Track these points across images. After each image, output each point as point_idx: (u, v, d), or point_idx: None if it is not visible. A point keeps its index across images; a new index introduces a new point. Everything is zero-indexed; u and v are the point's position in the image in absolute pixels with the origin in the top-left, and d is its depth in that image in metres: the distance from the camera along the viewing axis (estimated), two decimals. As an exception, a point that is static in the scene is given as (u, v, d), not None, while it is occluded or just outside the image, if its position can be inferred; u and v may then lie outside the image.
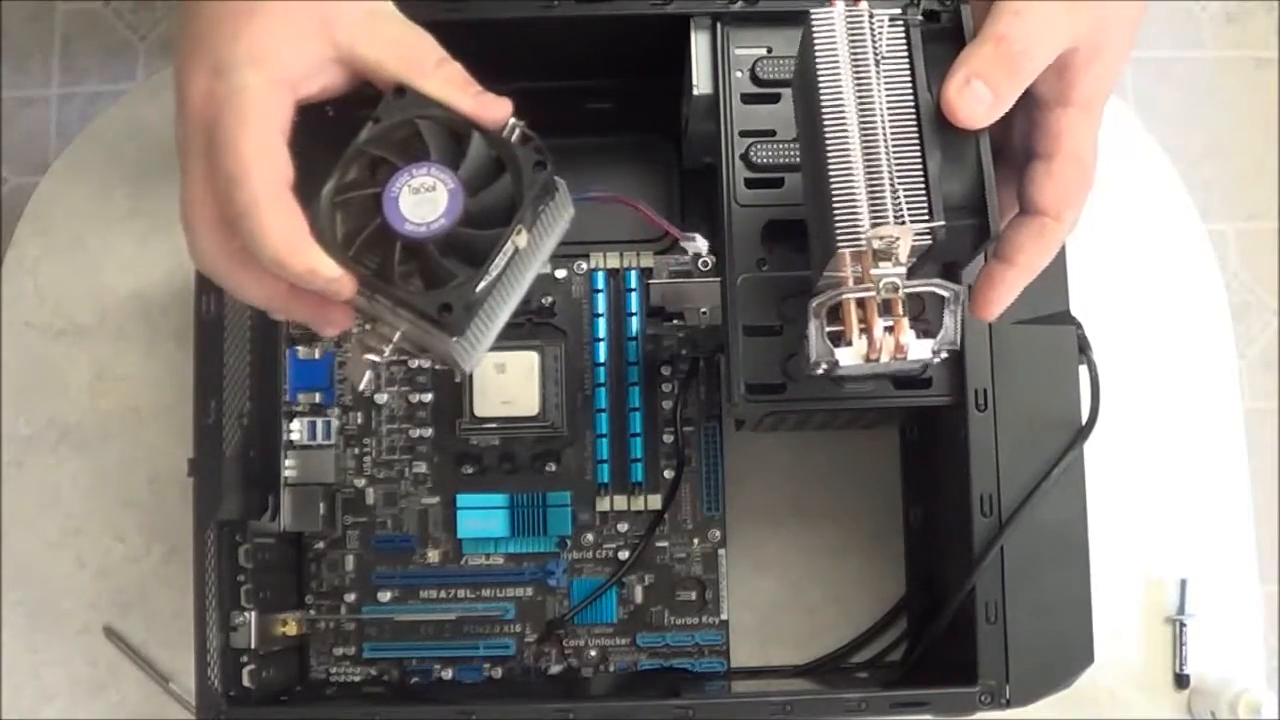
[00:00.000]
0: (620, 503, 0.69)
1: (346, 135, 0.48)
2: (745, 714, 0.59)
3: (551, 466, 0.70)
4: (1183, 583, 0.72)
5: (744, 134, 0.58)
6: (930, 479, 0.68)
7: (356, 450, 0.70)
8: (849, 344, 0.46)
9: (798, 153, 0.57)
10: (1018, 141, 0.50)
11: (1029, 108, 0.48)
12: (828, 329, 0.47)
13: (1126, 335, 0.73)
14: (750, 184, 0.58)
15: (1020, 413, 0.59)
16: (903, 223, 0.45)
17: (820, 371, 0.48)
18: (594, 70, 0.66)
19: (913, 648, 0.69)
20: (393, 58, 0.47)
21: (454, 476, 0.70)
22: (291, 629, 0.66)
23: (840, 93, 0.46)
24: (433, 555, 0.70)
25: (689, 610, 0.70)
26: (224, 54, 0.46)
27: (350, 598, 0.69)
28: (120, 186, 0.75)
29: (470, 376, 0.66)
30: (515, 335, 0.69)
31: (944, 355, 0.48)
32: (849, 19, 0.47)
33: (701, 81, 0.59)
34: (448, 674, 0.69)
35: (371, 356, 0.50)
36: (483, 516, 0.69)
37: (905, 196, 0.45)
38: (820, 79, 0.46)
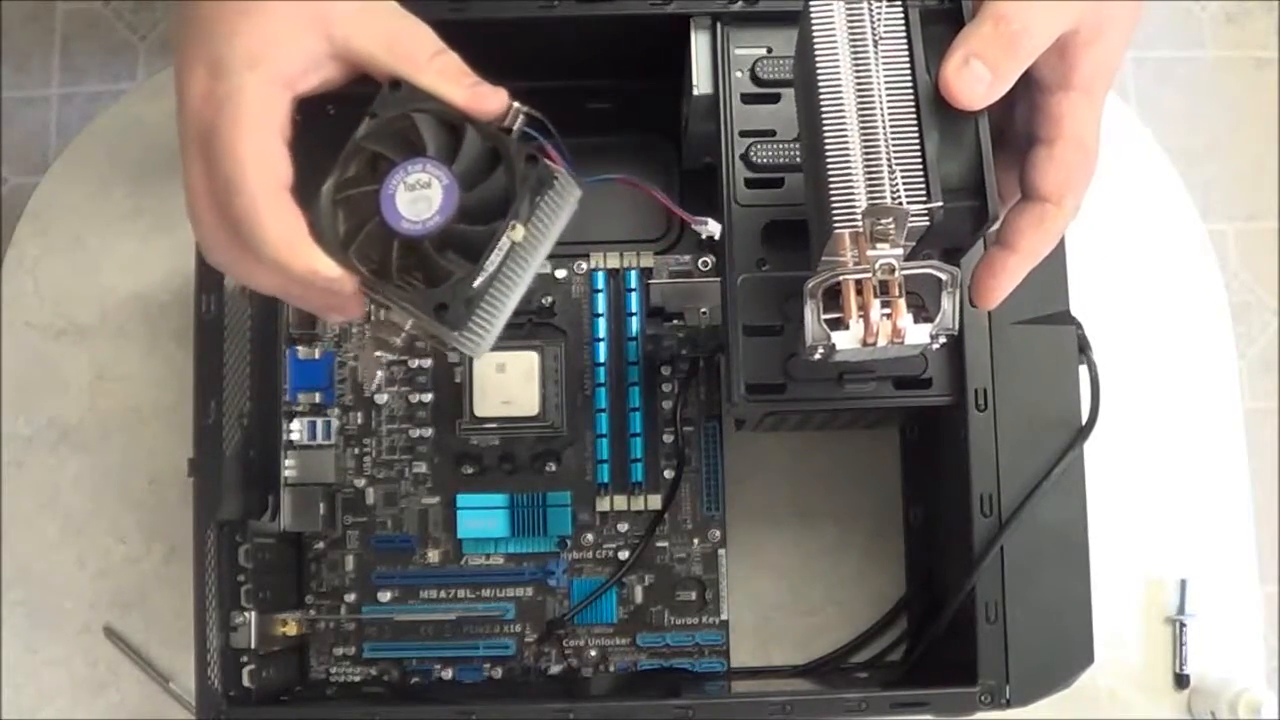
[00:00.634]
0: (620, 503, 0.69)
1: (348, 133, 0.48)
2: (745, 714, 0.59)
3: (551, 466, 0.70)
4: (1183, 583, 0.72)
5: (744, 134, 0.58)
6: (930, 479, 0.68)
7: (356, 450, 0.70)
8: (846, 328, 0.46)
9: (798, 153, 0.57)
10: (1019, 127, 0.49)
11: (1030, 92, 0.48)
12: (825, 315, 0.47)
13: (1126, 335, 0.73)
14: (750, 184, 0.58)
15: (1020, 413, 0.59)
16: (900, 203, 0.44)
17: (817, 356, 0.48)
18: (594, 70, 0.66)
19: (913, 648, 0.69)
20: (387, 50, 0.47)
21: (454, 476, 0.70)
22: (291, 629, 0.66)
23: (838, 73, 0.46)
24: (433, 555, 0.70)
25: (689, 610, 0.70)
26: (220, 53, 0.46)
27: (350, 598, 0.69)
28: (120, 186, 0.75)
29: (470, 377, 0.66)
30: (515, 335, 0.69)
31: (942, 341, 0.48)
32: (848, 0, 0.46)
33: (701, 81, 0.59)
34: (448, 674, 0.69)
35: (382, 354, 0.51)
36: (483, 516, 0.69)
37: (903, 177, 0.45)
38: (818, 60, 0.46)
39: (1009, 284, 0.49)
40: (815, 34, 0.46)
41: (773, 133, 0.58)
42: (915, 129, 0.45)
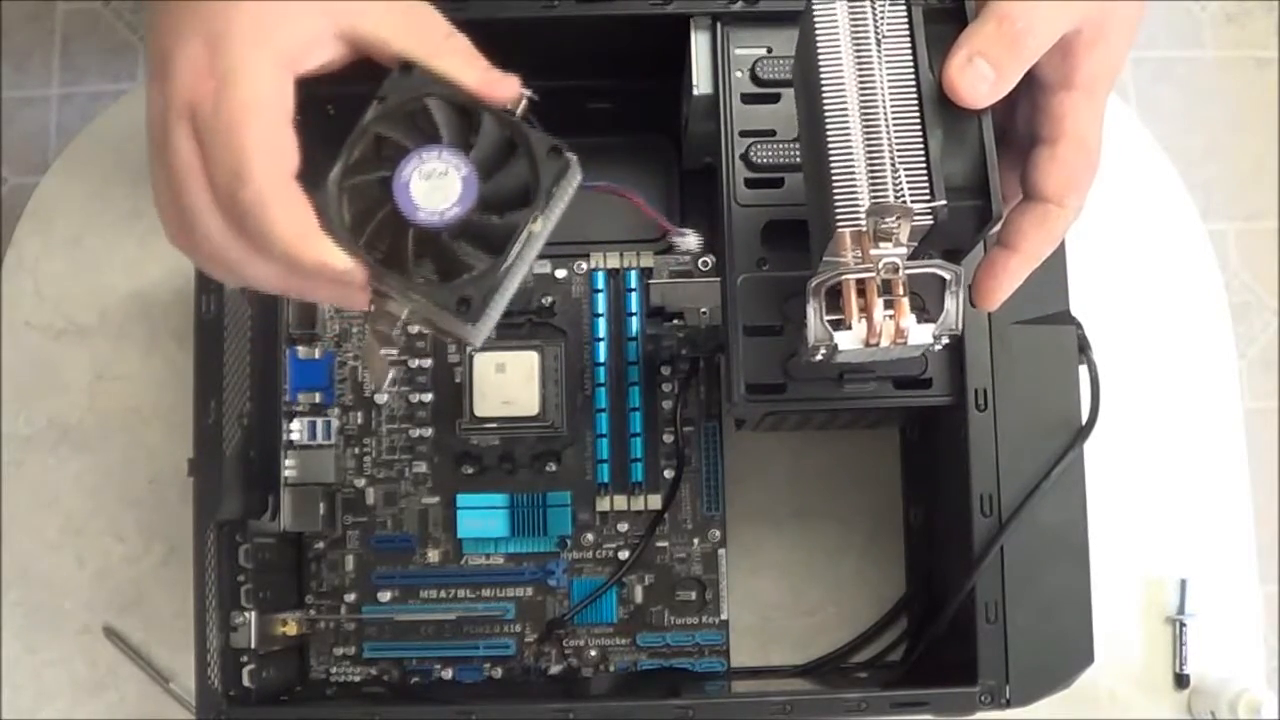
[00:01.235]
0: (620, 503, 0.69)
1: (345, 134, 0.47)
2: (745, 714, 0.59)
3: (551, 466, 0.70)
4: (1183, 583, 0.72)
5: (744, 134, 0.58)
6: (930, 479, 0.68)
7: (356, 450, 0.70)
8: (848, 328, 0.46)
9: (798, 153, 0.57)
10: (1021, 127, 0.49)
11: (1032, 92, 0.48)
12: (827, 316, 0.47)
13: (1126, 335, 0.73)
14: (750, 184, 0.58)
15: (1020, 413, 0.59)
16: (903, 202, 0.44)
17: (819, 357, 0.48)
18: (594, 70, 0.66)
19: (913, 648, 0.69)
20: (400, 32, 0.46)
21: (454, 476, 0.70)
22: (291, 629, 0.67)
23: (841, 72, 0.46)
24: (433, 555, 0.70)
25: (689, 610, 0.70)
26: (220, 25, 0.43)
27: (350, 598, 0.69)
28: (120, 186, 0.75)
29: (470, 377, 0.66)
30: (515, 335, 0.69)
31: (945, 341, 0.48)
32: None
33: (701, 81, 0.59)
34: (448, 674, 0.69)
35: (389, 351, 0.49)
36: (483, 516, 0.69)
37: (906, 176, 0.44)
38: (821, 58, 0.46)
39: (1010, 285, 0.49)
40: (818, 32, 0.46)
41: (773, 133, 0.58)
42: (918, 127, 0.45)
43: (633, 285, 0.70)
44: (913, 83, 0.46)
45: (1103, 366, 0.61)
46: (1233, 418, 0.74)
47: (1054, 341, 0.60)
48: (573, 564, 0.70)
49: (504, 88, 0.46)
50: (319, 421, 0.69)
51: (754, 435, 0.71)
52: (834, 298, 0.47)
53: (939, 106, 0.45)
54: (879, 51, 0.46)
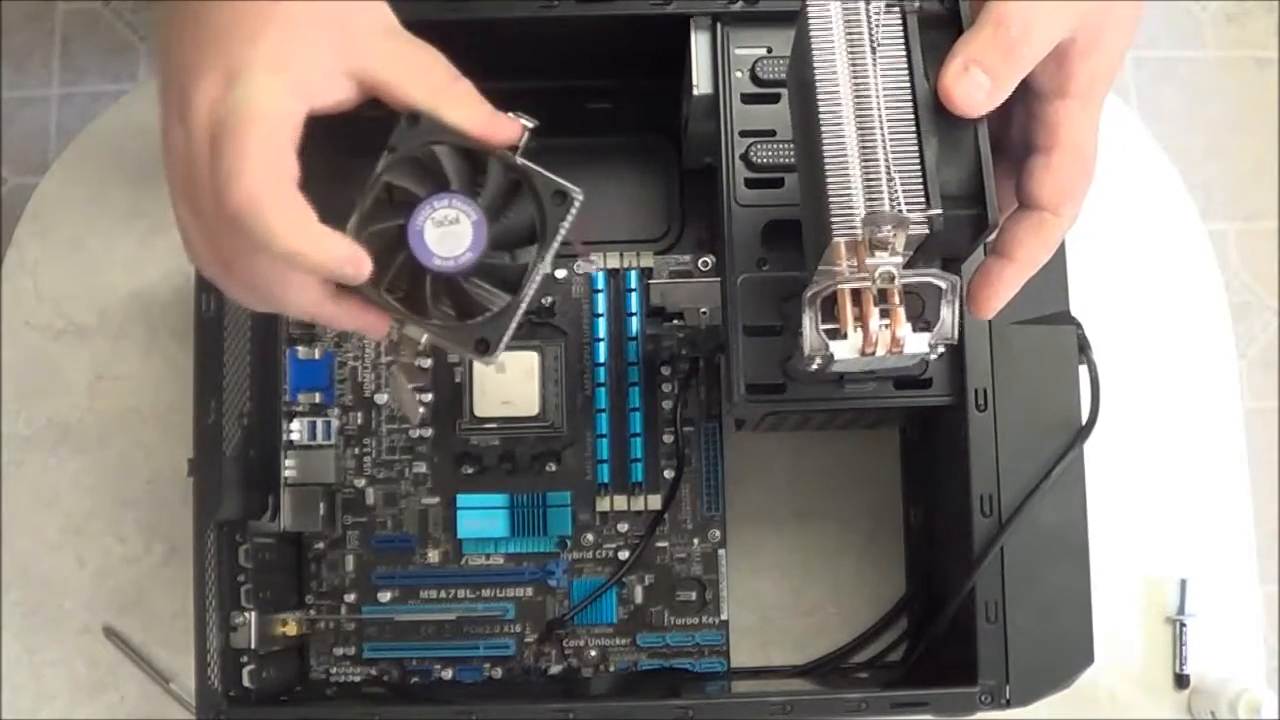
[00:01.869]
0: (620, 503, 0.69)
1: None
2: (745, 714, 0.59)
3: (551, 466, 0.70)
4: (1183, 583, 0.72)
5: (744, 134, 0.58)
6: (930, 479, 0.68)
7: (356, 450, 0.70)
8: (844, 337, 0.46)
9: (795, 151, 0.57)
10: (1016, 135, 0.49)
11: (1027, 100, 0.48)
12: (823, 325, 0.47)
13: (1126, 335, 0.73)
14: (750, 184, 0.58)
15: (1020, 413, 0.59)
16: (899, 211, 0.44)
17: (815, 366, 0.48)
18: (594, 70, 0.66)
19: (913, 648, 0.69)
20: (406, 76, 0.47)
21: (454, 476, 0.70)
22: (291, 629, 0.67)
23: (835, 80, 0.45)
24: (433, 555, 0.70)
25: (689, 610, 0.70)
26: (239, 58, 0.44)
27: (350, 598, 0.69)
28: (120, 186, 0.75)
29: (470, 377, 0.66)
30: (515, 335, 0.69)
31: (941, 350, 0.48)
32: (845, 5, 0.46)
33: (701, 81, 0.59)
34: (448, 674, 0.69)
35: (418, 384, 0.51)
36: (483, 516, 0.69)
37: (902, 185, 0.44)
38: (815, 66, 0.46)
39: (1007, 293, 0.49)
40: (812, 39, 0.46)
41: (773, 133, 0.58)
42: (914, 136, 0.45)
43: (633, 285, 0.70)
44: (908, 90, 0.45)
45: (1103, 366, 0.61)
46: (1233, 418, 0.74)
47: (1054, 341, 0.60)
48: (573, 564, 0.70)
49: (505, 130, 0.47)
50: (319, 421, 0.69)
51: (754, 435, 0.71)
52: (830, 306, 0.46)
53: (934, 114, 0.45)
54: (874, 59, 0.46)
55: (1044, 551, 0.59)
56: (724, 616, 0.70)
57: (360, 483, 0.70)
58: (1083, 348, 0.60)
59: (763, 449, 0.72)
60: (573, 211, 0.48)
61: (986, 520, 0.59)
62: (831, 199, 0.45)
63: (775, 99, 0.59)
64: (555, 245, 0.49)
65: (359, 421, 0.70)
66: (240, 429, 0.63)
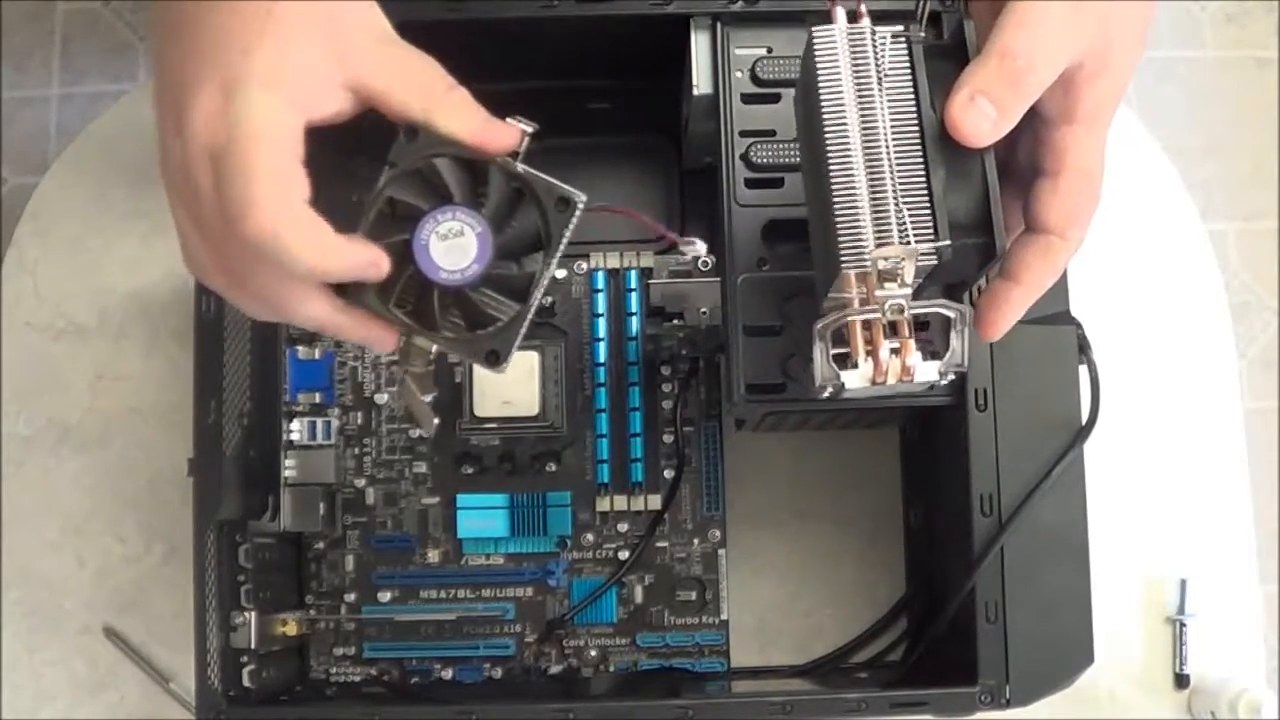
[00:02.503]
0: (620, 503, 0.69)
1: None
2: (745, 714, 0.59)
3: (551, 466, 0.70)
4: (1183, 583, 0.72)
5: (744, 134, 0.58)
6: (930, 479, 0.68)
7: (356, 450, 0.70)
8: (854, 366, 0.46)
9: (798, 152, 0.57)
10: (1023, 159, 0.49)
11: (1034, 125, 0.48)
12: (833, 351, 0.46)
13: (1126, 335, 0.73)
14: (750, 184, 0.58)
15: (1020, 413, 0.59)
16: (907, 243, 0.44)
17: (826, 395, 0.47)
18: (594, 70, 0.66)
19: (913, 648, 0.69)
20: (401, 85, 0.46)
21: (454, 476, 0.70)
22: (291, 629, 0.66)
23: (843, 111, 0.45)
24: (433, 555, 0.70)
25: (689, 610, 0.70)
26: (235, 72, 0.44)
27: (350, 598, 0.69)
28: (120, 186, 0.75)
29: (470, 377, 0.66)
30: (515, 335, 0.69)
31: (951, 378, 0.47)
32: (851, 36, 0.46)
33: (701, 81, 0.59)
34: (448, 674, 0.69)
35: (430, 395, 0.51)
36: (483, 516, 0.69)
37: (910, 216, 0.44)
38: (822, 97, 0.46)
39: (1013, 316, 0.49)
40: (819, 69, 0.46)
41: (773, 133, 0.58)
42: (921, 166, 0.45)
43: (633, 285, 0.70)
44: (915, 121, 0.46)
45: (1103, 366, 0.61)
46: (1233, 418, 0.74)
47: (1054, 341, 0.60)
48: (573, 564, 0.70)
49: (503, 137, 0.47)
50: (319, 421, 0.69)
51: (754, 435, 0.71)
52: (840, 334, 0.46)
53: (941, 144, 0.45)
54: (880, 89, 0.46)
55: (1044, 551, 0.59)
56: (724, 616, 0.70)
57: (360, 483, 0.70)
58: (1083, 348, 0.60)
59: (763, 449, 0.72)
60: (577, 216, 0.48)
61: (986, 520, 0.59)
62: (840, 230, 0.45)
63: (775, 99, 0.59)
64: (560, 251, 0.49)
65: (359, 421, 0.70)
66: (240, 429, 0.63)
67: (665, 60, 0.62)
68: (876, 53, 0.46)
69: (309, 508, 0.68)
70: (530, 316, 0.48)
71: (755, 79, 0.59)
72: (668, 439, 0.70)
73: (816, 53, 0.46)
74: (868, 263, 0.44)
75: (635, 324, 0.70)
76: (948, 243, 0.44)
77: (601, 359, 0.69)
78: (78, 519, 0.73)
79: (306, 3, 0.45)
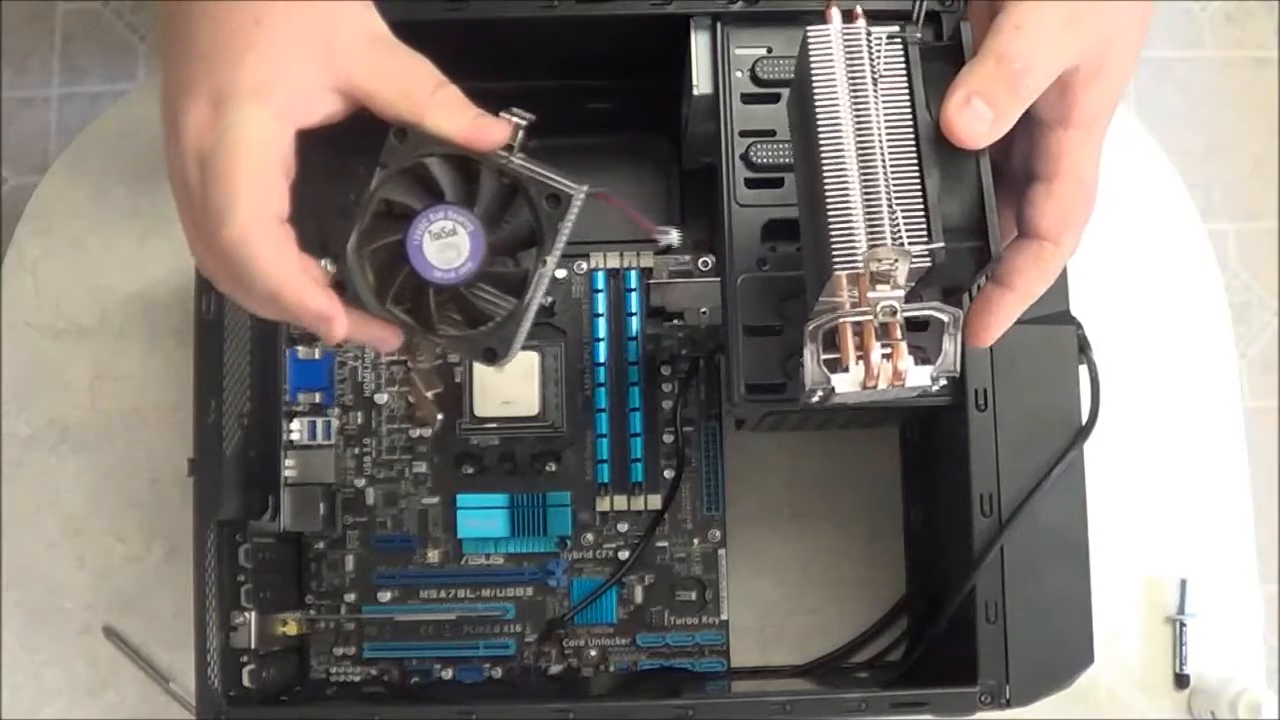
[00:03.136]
0: (620, 503, 0.69)
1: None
2: (745, 714, 0.59)
3: (551, 466, 0.70)
4: (1183, 583, 0.72)
5: (744, 134, 0.58)
6: (930, 479, 0.68)
7: (356, 450, 0.70)
8: (845, 370, 0.45)
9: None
10: (1017, 163, 0.49)
11: (1029, 129, 0.47)
12: (824, 355, 0.46)
13: (1126, 335, 0.73)
14: (750, 184, 0.58)
15: (1020, 413, 0.59)
16: (901, 245, 0.44)
17: (816, 399, 0.47)
18: (594, 70, 0.66)
19: (913, 648, 0.69)
20: (390, 87, 0.47)
21: (454, 476, 0.70)
22: (291, 629, 0.67)
23: (837, 112, 0.45)
24: (433, 555, 0.70)
25: (689, 610, 0.70)
26: (224, 83, 0.45)
27: (350, 598, 0.69)
28: (120, 186, 0.75)
29: (470, 377, 0.66)
30: (515, 335, 0.69)
31: (943, 383, 0.47)
32: (846, 37, 0.46)
33: (701, 81, 0.59)
34: (448, 674, 0.69)
35: (436, 391, 0.51)
36: (483, 516, 0.69)
37: (903, 218, 0.44)
38: (817, 97, 0.45)
39: (1005, 322, 0.49)
40: (813, 70, 0.46)
41: (773, 133, 0.58)
42: (915, 168, 0.45)
43: (633, 285, 0.70)
44: (910, 122, 0.45)
45: (1103, 366, 0.61)
46: (1233, 418, 0.74)
47: (1054, 341, 0.60)
48: (573, 564, 0.70)
49: (494, 133, 0.47)
50: (319, 421, 0.69)
51: (754, 435, 0.71)
52: (831, 337, 0.46)
53: (936, 146, 0.45)
54: (875, 91, 0.45)
55: (1044, 551, 0.59)
56: (724, 616, 0.70)
57: (360, 482, 0.70)
58: (1083, 348, 0.60)
59: (763, 449, 0.72)
60: (573, 211, 0.48)
61: (986, 520, 0.59)
62: (833, 232, 0.44)
63: (775, 99, 0.58)
64: (559, 247, 0.48)
65: (359, 421, 0.70)
66: (240, 429, 0.63)
67: (665, 60, 0.62)
68: (871, 53, 0.46)
69: (309, 508, 0.68)
70: (532, 313, 0.48)
71: (755, 79, 0.59)
72: (668, 439, 0.70)
73: (811, 53, 0.46)
74: (860, 264, 0.44)
75: (635, 324, 0.70)
76: (941, 245, 0.44)
77: (601, 359, 0.69)
78: (78, 519, 0.73)
79: (296, 6, 0.45)
